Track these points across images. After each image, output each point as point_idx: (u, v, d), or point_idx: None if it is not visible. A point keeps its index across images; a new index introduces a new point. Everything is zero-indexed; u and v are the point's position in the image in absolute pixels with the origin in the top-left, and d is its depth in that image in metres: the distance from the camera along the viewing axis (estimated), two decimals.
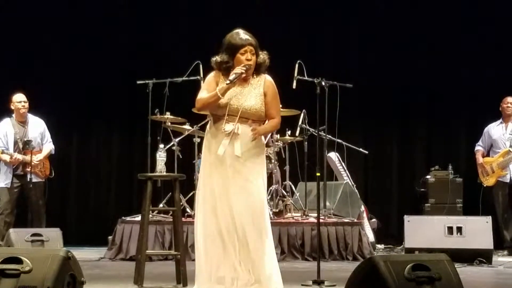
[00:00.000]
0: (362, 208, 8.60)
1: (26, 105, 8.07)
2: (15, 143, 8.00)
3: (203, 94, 4.67)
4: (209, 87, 4.68)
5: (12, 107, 8.09)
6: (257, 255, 4.53)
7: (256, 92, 4.67)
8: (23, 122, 8.11)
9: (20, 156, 7.90)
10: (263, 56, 4.70)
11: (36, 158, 7.93)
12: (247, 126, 4.63)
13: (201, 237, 4.64)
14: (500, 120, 8.57)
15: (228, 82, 4.54)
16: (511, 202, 8.44)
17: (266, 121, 4.74)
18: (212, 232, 4.57)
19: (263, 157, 4.79)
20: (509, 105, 8.47)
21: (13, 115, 8.13)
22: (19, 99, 8.06)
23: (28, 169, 7.84)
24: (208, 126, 4.79)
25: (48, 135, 8.25)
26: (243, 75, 4.60)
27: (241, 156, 4.58)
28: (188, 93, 8.14)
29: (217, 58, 4.69)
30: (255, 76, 4.70)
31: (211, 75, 4.73)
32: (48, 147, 8.21)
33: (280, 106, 4.84)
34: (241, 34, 4.66)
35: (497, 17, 9.63)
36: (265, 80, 4.72)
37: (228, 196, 4.56)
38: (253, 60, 4.63)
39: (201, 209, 4.68)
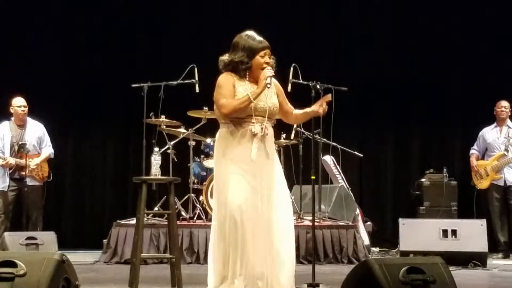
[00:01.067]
0: (357, 211, 8.62)
1: (26, 109, 8.06)
2: (12, 146, 7.98)
3: (225, 98, 4.58)
4: (226, 90, 4.60)
5: (12, 111, 8.07)
6: (285, 260, 4.55)
7: (272, 91, 4.72)
8: (21, 126, 8.10)
9: (13, 160, 7.88)
10: (273, 60, 4.75)
11: (33, 162, 7.90)
12: (270, 125, 4.69)
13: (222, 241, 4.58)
14: (495, 124, 8.59)
15: (268, 86, 4.54)
16: (505, 205, 8.45)
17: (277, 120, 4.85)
18: (236, 237, 4.49)
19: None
20: (503, 109, 8.50)
21: (12, 119, 8.11)
22: (19, 103, 8.04)
23: (24, 173, 7.83)
24: (222, 133, 4.68)
25: (47, 139, 8.23)
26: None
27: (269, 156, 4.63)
28: (183, 96, 8.22)
29: (233, 58, 4.64)
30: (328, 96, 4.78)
31: (225, 78, 4.66)
32: (47, 151, 8.19)
33: None
34: (257, 37, 4.69)
35: (495, 18, 9.65)
36: (274, 82, 4.75)
37: (267, 199, 4.55)
38: (270, 63, 4.68)
39: (226, 214, 4.54)
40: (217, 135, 4.72)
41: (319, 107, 4.76)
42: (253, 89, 4.62)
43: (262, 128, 4.58)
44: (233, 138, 4.60)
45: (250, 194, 4.51)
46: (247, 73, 4.66)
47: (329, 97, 4.78)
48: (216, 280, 4.56)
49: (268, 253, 4.50)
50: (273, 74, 4.61)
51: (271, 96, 4.69)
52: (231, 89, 4.61)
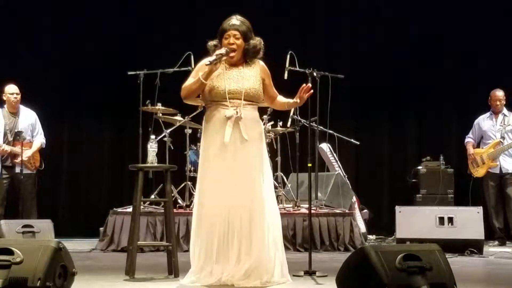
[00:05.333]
0: (354, 199, 8.63)
1: (19, 97, 8.03)
2: (5, 134, 7.96)
3: (188, 81, 4.69)
4: (194, 74, 4.72)
5: (4, 98, 8.05)
6: (257, 245, 4.55)
7: (253, 74, 4.70)
8: (14, 113, 8.07)
9: (8, 148, 7.86)
10: (254, 42, 4.72)
11: (25, 154, 7.85)
12: (248, 109, 4.65)
13: (200, 227, 4.65)
14: (490, 111, 8.58)
15: (208, 62, 4.55)
16: (501, 193, 8.46)
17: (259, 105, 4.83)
18: (213, 222, 4.57)
19: (264, 141, 4.84)
20: (497, 102, 8.47)
21: (5, 106, 8.09)
22: (11, 91, 8.01)
23: (17, 161, 7.81)
24: (205, 116, 4.76)
25: (39, 127, 8.21)
26: (224, 57, 4.62)
27: (248, 140, 4.60)
28: (179, 84, 8.17)
29: (209, 43, 4.72)
30: (248, 61, 4.72)
31: (200, 63, 4.73)
32: (39, 140, 8.16)
33: None
34: (231, 20, 4.70)
35: (488, 9, 9.63)
36: (260, 66, 4.77)
37: (232, 185, 4.56)
38: (237, 44, 4.65)
39: (201, 199, 4.68)
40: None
41: (297, 98, 4.74)
42: (227, 73, 4.65)
43: (237, 112, 4.58)
44: (211, 122, 4.67)
45: (220, 187, 4.56)
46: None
47: (309, 86, 4.74)
48: (193, 270, 4.67)
49: (242, 243, 4.53)
50: (223, 54, 4.58)
51: (250, 78, 4.67)
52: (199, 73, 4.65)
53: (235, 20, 4.69)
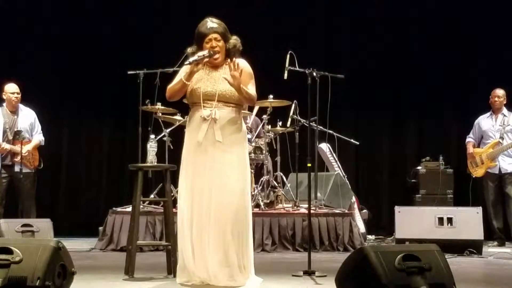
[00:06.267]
0: (353, 199, 8.62)
1: (19, 96, 8.02)
2: (4, 132, 7.95)
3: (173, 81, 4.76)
4: (178, 77, 4.79)
5: (4, 97, 8.04)
6: (232, 247, 4.58)
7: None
8: (13, 112, 8.07)
9: (8, 146, 7.86)
10: (234, 41, 4.76)
11: (24, 149, 7.86)
12: (225, 111, 4.68)
13: (180, 229, 4.71)
14: (490, 112, 8.58)
15: (187, 63, 4.62)
16: (500, 193, 8.46)
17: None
18: (189, 224, 4.63)
19: (245, 143, 4.85)
20: (496, 99, 8.49)
21: (4, 104, 8.08)
22: (12, 90, 8.00)
23: (17, 159, 7.80)
24: (187, 117, 4.88)
25: (38, 126, 8.20)
26: (206, 59, 4.65)
27: (222, 142, 4.63)
28: None
29: (188, 50, 4.78)
30: (228, 61, 4.72)
31: (185, 66, 4.77)
32: (38, 138, 8.16)
33: (254, 86, 4.84)
34: (208, 23, 4.73)
35: (488, 9, 9.63)
36: (241, 65, 4.75)
37: (207, 185, 4.61)
38: (219, 47, 4.69)
39: (180, 201, 4.74)
40: None
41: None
42: (208, 75, 4.71)
43: (211, 113, 4.63)
44: (190, 122, 4.78)
45: (189, 188, 4.64)
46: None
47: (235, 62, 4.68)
48: (178, 271, 4.75)
49: (211, 245, 4.58)
50: (206, 55, 4.62)
51: (226, 81, 4.69)
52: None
53: (212, 23, 4.73)
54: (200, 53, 4.63)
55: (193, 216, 4.63)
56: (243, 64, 4.76)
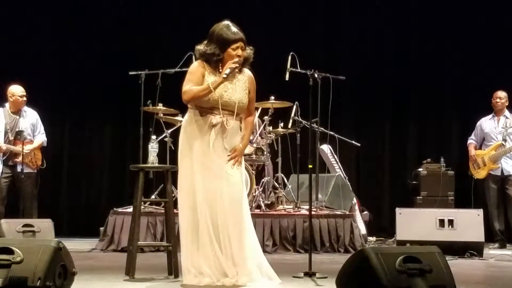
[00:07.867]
0: (354, 200, 8.62)
1: (25, 98, 8.02)
2: (5, 133, 7.95)
3: (190, 85, 4.67)
4: (194, 78, 4.69)
5: (11, 99, 7.99)
6: (237, 249, 4.60)
7: (242, 86, 4.73)
8: (16, 113, 8.06)
9: (5, 146, 7.84)
10: (249, 51, 4.73)
11: (27, 147, 7.86)
12: (233, 120, 4.69)
13: (184, 231, 4.71)
14: (492, 114, 8.58)
15: (224, 76, 4.55)
16: (502, 195, 8.46)
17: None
18: (194, 226, 4.65)
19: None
20: (497, 100, 8.49)
21: (6, 105, 8.07)
22: (20, 93, 7.97)
23: (18, 160, 7.80)
24: (187, 118, 4.79)
25: (41, 126, 8.20)
26: (236, 70, 4.64)
27: (227, 149, 4.66)
28: (180, 84, 8.16)
29: (206, 49, 4.69)
30: (239, 71, 4.73)
31: (196, 65, 4.74)
32: (40, 138, 8.16)
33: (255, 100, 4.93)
34: (232, 28, 4.67)
35: (489, 9, 9.63)
36: (248, 76, 4.79)
37: (211, 190, 4.62)
38: (243, 56, 4.66)
39: (184, 202, 4.73)
40: (184, 118, 4.85)
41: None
42: (223, 84, 4.64)
43: (223, 121, 4.63)
44: (196, 126, 4.69)
45: (198, 193, 4.63)
46: (220, 65, 4.69)
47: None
48: (184, 273, 4.75)
49: (214, 250, 4.61)
50: (238, 66, 4.61)
51: (240, 91, 4.69)
52: (199, 77, 4.67)
53: (235, 28, 4.69)
54: (232, 65, 4.59)
55: (207, 218, 4.61)
56: (252, 79, 4.78)
